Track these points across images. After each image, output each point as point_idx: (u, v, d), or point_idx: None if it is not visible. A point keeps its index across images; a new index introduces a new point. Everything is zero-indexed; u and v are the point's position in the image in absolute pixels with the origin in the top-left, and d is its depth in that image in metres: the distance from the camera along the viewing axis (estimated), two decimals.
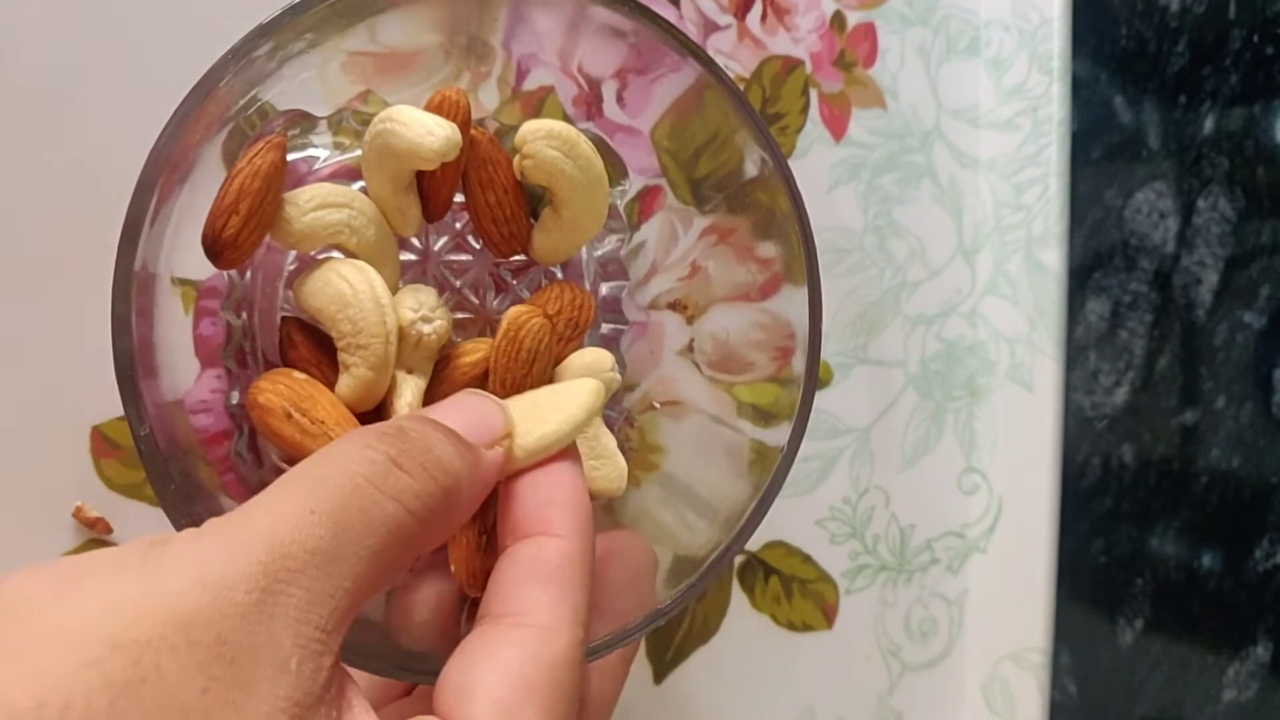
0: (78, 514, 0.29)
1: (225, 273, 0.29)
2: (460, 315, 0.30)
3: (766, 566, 0.36)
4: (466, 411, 0.24)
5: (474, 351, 0.28)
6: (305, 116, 0.28)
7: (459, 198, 0.29)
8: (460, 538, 0.27)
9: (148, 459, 0.24)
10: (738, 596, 0.36)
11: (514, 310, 0.27)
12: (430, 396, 0.28)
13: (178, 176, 0.24)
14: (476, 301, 0.31)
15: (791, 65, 0.36)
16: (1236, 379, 0.44)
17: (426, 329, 0.27)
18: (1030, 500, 0.39)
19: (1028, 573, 0.39)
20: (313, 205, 0.26)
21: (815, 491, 0.37)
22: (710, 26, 0.36)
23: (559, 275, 0.31)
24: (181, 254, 0.25)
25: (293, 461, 0.27)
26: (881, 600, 0.38)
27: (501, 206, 0.28)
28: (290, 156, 0.26)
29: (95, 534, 0.30)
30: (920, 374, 0.38)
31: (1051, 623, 0.39)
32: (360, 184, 0.28)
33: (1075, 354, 0.42)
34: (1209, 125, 0.44)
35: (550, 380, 0.28)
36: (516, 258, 0.30)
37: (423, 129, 0.25)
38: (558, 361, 0.28)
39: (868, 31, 0.37)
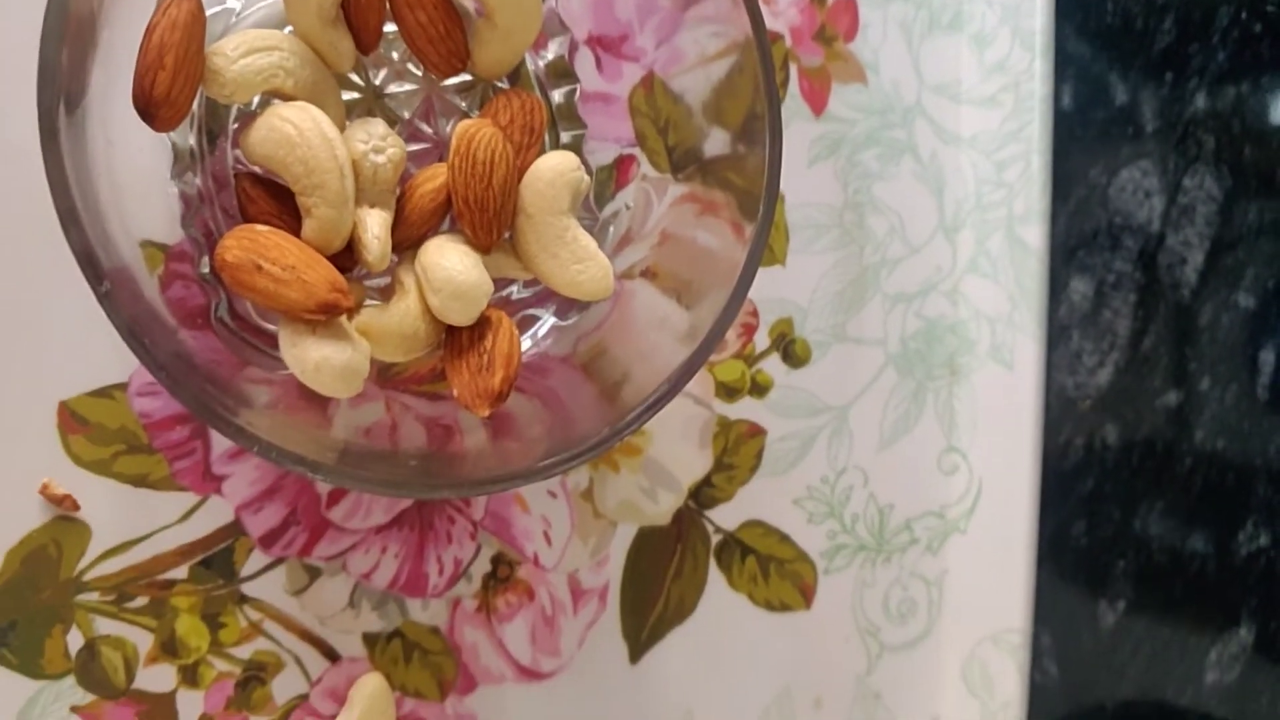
0: (44, 490, 0.29)
1: (193, 234, 0.29)
2: (416, 147, 0.30)
3: (744, 546, 0.36)
4: None
5: (434, 178, 0.28)
6: None
7: (391, 27, 0.29)
8: (459, 363, 0.28)
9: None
10: (715, 576, 0.36)
11: (462, 124, 0.27)
12: (396, 228, 0.28)
13: (83, 44, 0.24)
14: (430, 130, 0.31)
15: (771, 39, 0.36)
16: (1222, 360, 0.44)
17: (380, 159, 0.27)
18: (1011, 481, 0.39)
19: (1008, 554, 0.39)
20: (241, 52, 0.26)
21: (793, 471, 0.36)
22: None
23: (507, 88, 0.31)
24: (120, 120, 0.25)
25: (270, 314, 0.27)
26: (860, 580, 0.37)
27: (434, 24, 0.28)
28: (208, 12, 0.26)
29: (62, 510, 0.29)
30: (900, 352, 0.38)
31: (1031, 604, 0.39)
32: (288, 29, 0.28)
33: (1058, 333, 0.42)
34: (1196, 103, 0.43)
35: (516, 192, 0.28)
36: (461, 78, 0.30)
37: None
38: (521, 171, 0.28)
39: (849, 5, 0.37)
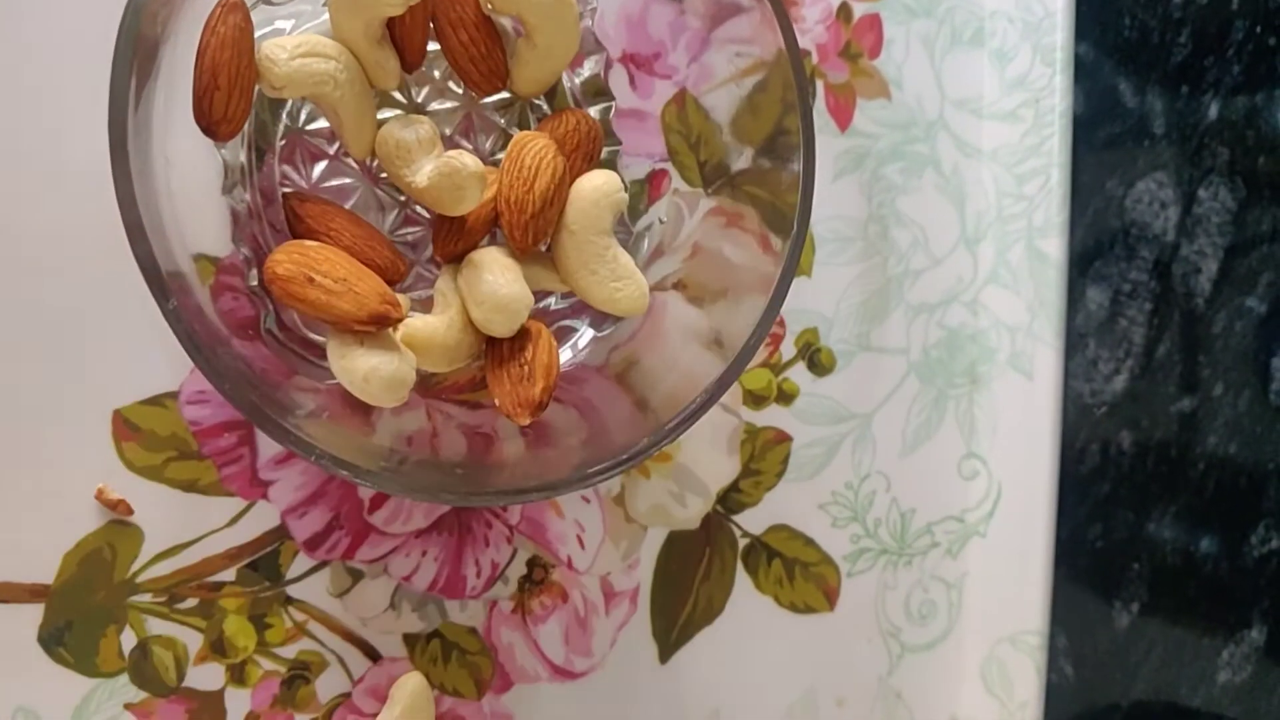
0: (100, 496, 0.30)
1: (242, 249, 0.30)
2: None
3: (770, 549, 0.37)
4: None
5: (486, 188, 0.29)
6: None
7: (434, 46, 0.30)
8: (500, 373, 0.29)
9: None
10: (741, 579, 0.37)
11: (522, 133, 0.29)
12: (445, 238, 0.29)
13: (147, 66, 0.25)
14: (469, 146, 0.32)
15: None
16: (1235, 367, 0.45)
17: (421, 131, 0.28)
18: (1029, 485, 0.39)
19: (1026, 557, 0.39)
20: (300, 52, 0.27)
21: (818, 476, 0.37)
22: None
23: (545, 107, 0.32)
24: (177, 137, 0.26)
25: (316, 326, 0.28)
26: (882, 583, 0.38)
27: (475, 44, 0.29)
28: (258, 33, 0.27)
29: (117, 515, 0.30)
30: (922, 361, 0.39)
31: (1048, 606, 0.40)
32: None
33: (1075, 341, 0.43)
34: (1211, 115, 0.44)
35: (562, 202, 0.29)
36: (500, 95, 0.31)
37: None
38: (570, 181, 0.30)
39: (873, 23, 0.38)
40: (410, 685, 0.32)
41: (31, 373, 0.30)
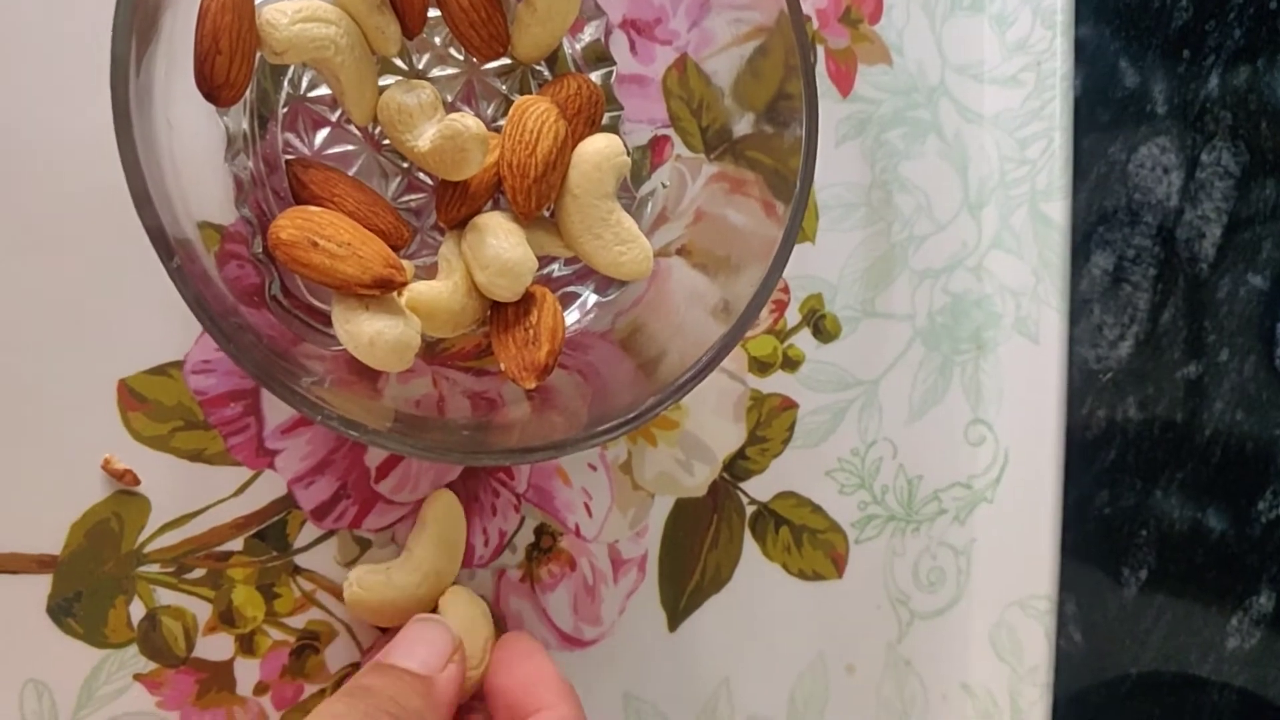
0: (106, 465, 0.30)
1: (246, 215, 0.30)
2: None
3: (777, 517, 0.37)
4: (420, 645, 0.28)
5: (489, 152, 0.29)
6: None
7: (434, 13, 0.30)
8: (505, 337, 0.29)
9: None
10: (749, 546, 0.37)
11: (524, 98, 0.29)
12: (449, 203, 0.29)
13: (148, 32, 0.25)
14: (472, 113, 0.31)
15: None
16: (1240, 333, 0.45)
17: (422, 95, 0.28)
18: (1036, 451, 0.39)
19: (1033, 522, 0.39)
20: (301, 17, 0.27)
21: (824, 443, 0.37)
22: None
23: (546, 73, 0.32)
24: (179, 104, 0.26)
25: (321, 292, 0.28)
26: (890, 550, 0.38)
27: (476, 9, 0.29)
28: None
29: (123, 485, 0.30)
30: (927, 327, 0.38)
31: (1057, 571, 0.39)
32: None
33: (1079, 308, 0.43)
34: (1212, 81, 0.44)
35: (565, 166, 0.29)
36: (500, 61, 0.31)
37: None
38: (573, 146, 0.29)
39: None
40: (440, 504, 0.32)
41: (36, 344, 0.29)
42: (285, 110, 0.30)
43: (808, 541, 0.37)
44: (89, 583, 0.30)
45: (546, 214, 0.31)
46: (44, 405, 0.30)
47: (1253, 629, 0.46)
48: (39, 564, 0.30)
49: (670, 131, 0.33)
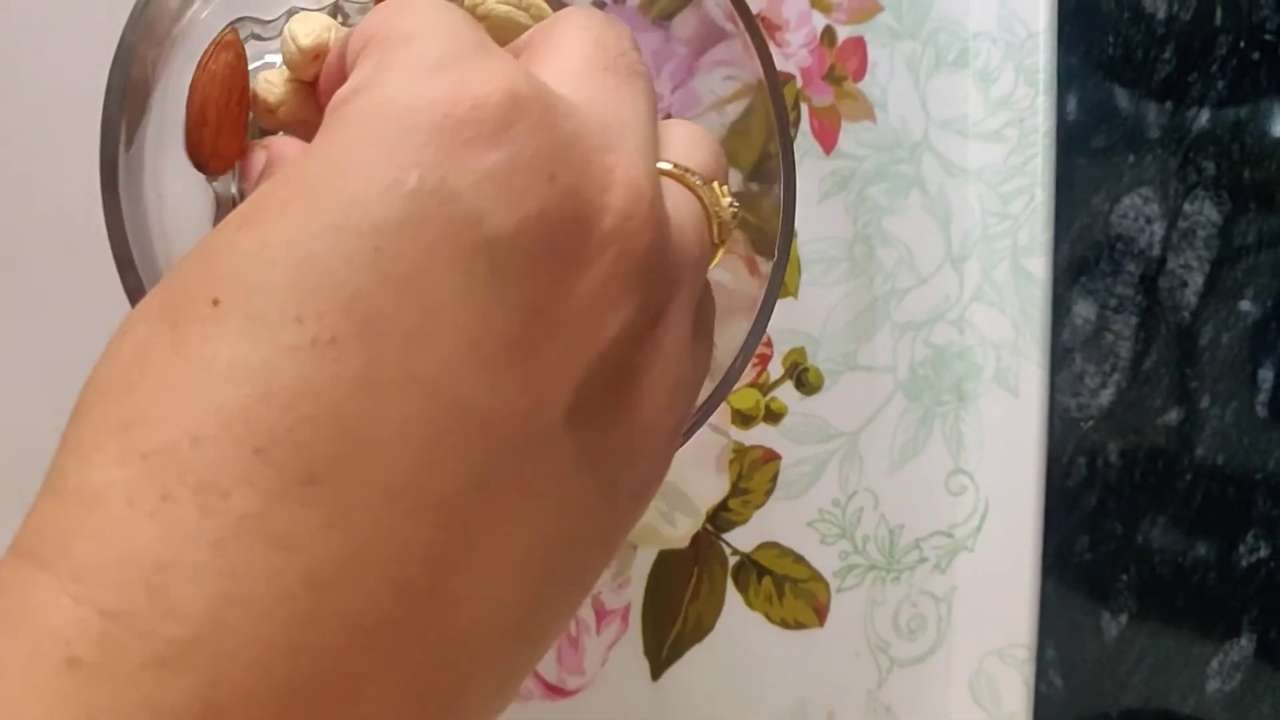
0: None
1: None
2: None
3: (759, 567, 0.38)
4: None
5: None
6: (255, 21, 0.29)
7: None
8: None
9: None
10: (732, 596, 0.37)
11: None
12: None
13: (139, 106, 0.25)
14: None
15: (783, 80, 0.37)
16: (1222, 378, 0.45)
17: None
18: (1016, 500, 0.40)
19: (1014, 570, 0.40)
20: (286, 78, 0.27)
21: (806, 494, 0.38)
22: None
23: None
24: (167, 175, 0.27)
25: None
26: (871, 598, 0.39)
27: None
28: (252, 66, 0.27)
29: None
30: (909, 379, 0.39)
31: (1036, 619, 0.40)
32: None
33: (1061, 356, 0.43)
34: (1195, 131, 0.44)
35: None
36: None
37: None
38: None
39: (857, 46, 0.38)
40: None
41: (37, 400, 0.30)
42: None
43: (790, 591, 0.38)
44: None
45: None
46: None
47: (1234, 671, 0.46)
48: None
49: None
